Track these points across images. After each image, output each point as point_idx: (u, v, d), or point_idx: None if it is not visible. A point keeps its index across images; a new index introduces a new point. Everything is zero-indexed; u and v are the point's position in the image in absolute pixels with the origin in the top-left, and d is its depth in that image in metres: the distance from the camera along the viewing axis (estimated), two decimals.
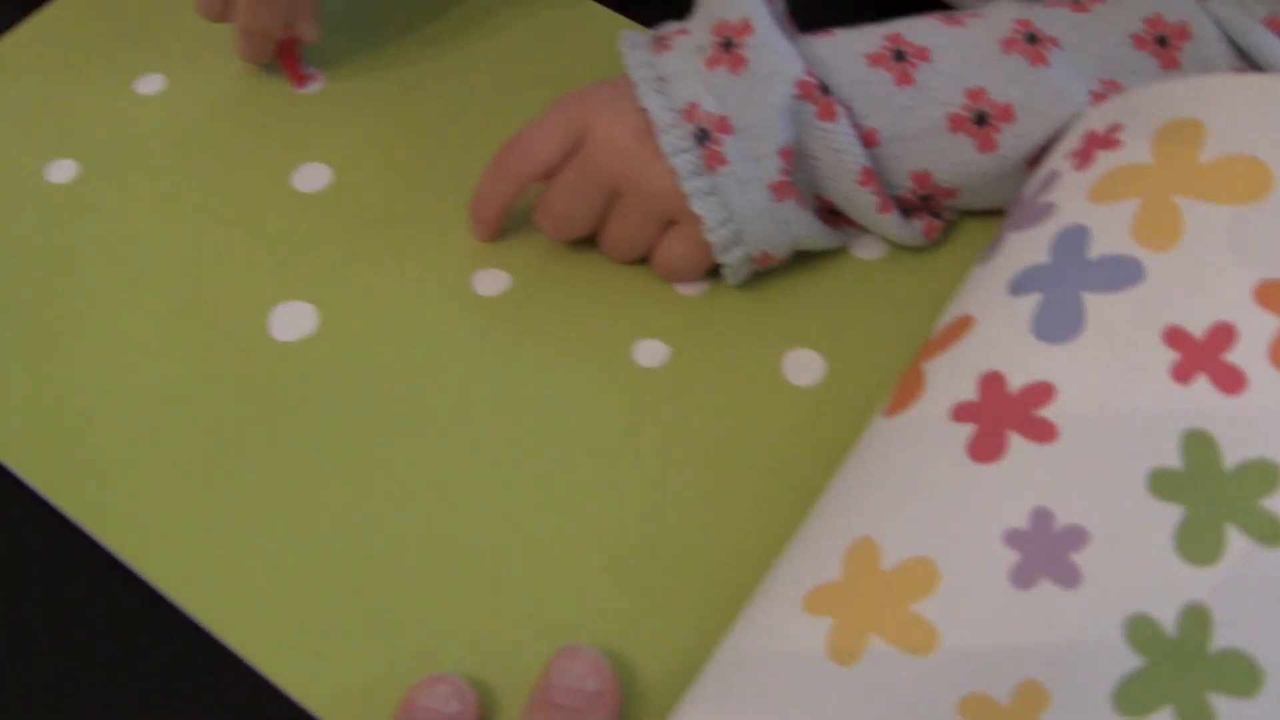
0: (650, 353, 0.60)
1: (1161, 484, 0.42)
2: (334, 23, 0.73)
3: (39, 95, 0.71)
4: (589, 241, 0.63)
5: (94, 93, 0.71)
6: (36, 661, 0.54)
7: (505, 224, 0.64)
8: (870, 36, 0.60)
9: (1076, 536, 0.42)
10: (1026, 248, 0.51)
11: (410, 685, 0.51)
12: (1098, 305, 0.47)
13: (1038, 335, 0.47)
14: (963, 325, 0.50)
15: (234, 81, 0.71)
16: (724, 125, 0.57)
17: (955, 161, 0.59)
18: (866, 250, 0.63)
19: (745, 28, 0.58)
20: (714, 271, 0.62)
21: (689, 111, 0.58)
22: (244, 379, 0.60)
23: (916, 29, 0.60)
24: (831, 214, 0.63)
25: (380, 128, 0.69)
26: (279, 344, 0.61)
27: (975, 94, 0.58)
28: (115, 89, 0.71)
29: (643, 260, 0.62)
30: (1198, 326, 0.45)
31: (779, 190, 0.58)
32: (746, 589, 0.52)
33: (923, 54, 0.59)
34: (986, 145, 0.58)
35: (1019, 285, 0.50)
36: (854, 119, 0.58)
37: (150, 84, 0.71)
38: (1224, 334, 0.45)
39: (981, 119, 0.58)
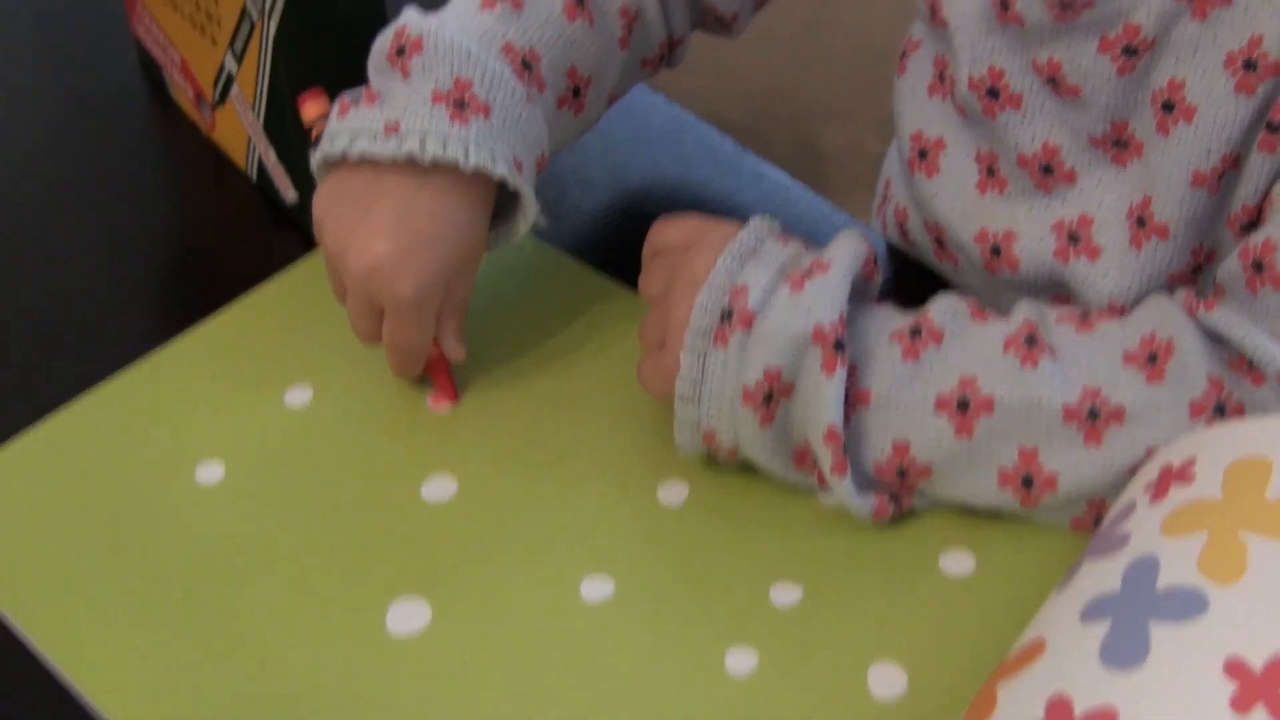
0: (740, 661, 0.65)
1: None
2: (472, 343, 0.81)
3: (195, 403, 0.80)
4: (692, 553, 0.70)
5: (245, 403, 0.80)
6: None
7: (609, 534, 0.71)
8: (906, 317, 0.70)
9: None
10: (1100, 576, 0.56)
11: None
12: (1163, 635, 0.51)
13: (1104, 662, 0.52)
14: (1035, 649, 0.55)
15: (377, 396, 0.80)
16: (747, 319, 0.67)
17: (931, 438, 0.67)
18: (956, 566, 0.69)
19: (822, 266, 0.68)
20: (807, 579, 0.68)
21: (737, 291, 0.68)
22: (360, 671, 0.66)
23: (943, 309, 0.69)
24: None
25: (506, 446, 0.76)
26: (392, 639, 0.67)
27: (967, 382, 0.67)
28: (266, 400, 0.80)
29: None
30: (1258, 659, 0.49)
31: (747, 397, 0.67)
32: None
33: (936, 337, 0.68)
34: (963, 430, 0.67)
35: (1090, 612, 0.54)
36: (855, 378, 0.68)
37: (298, 396, 0.80)
38: None
39: (964, 405, 0.66)
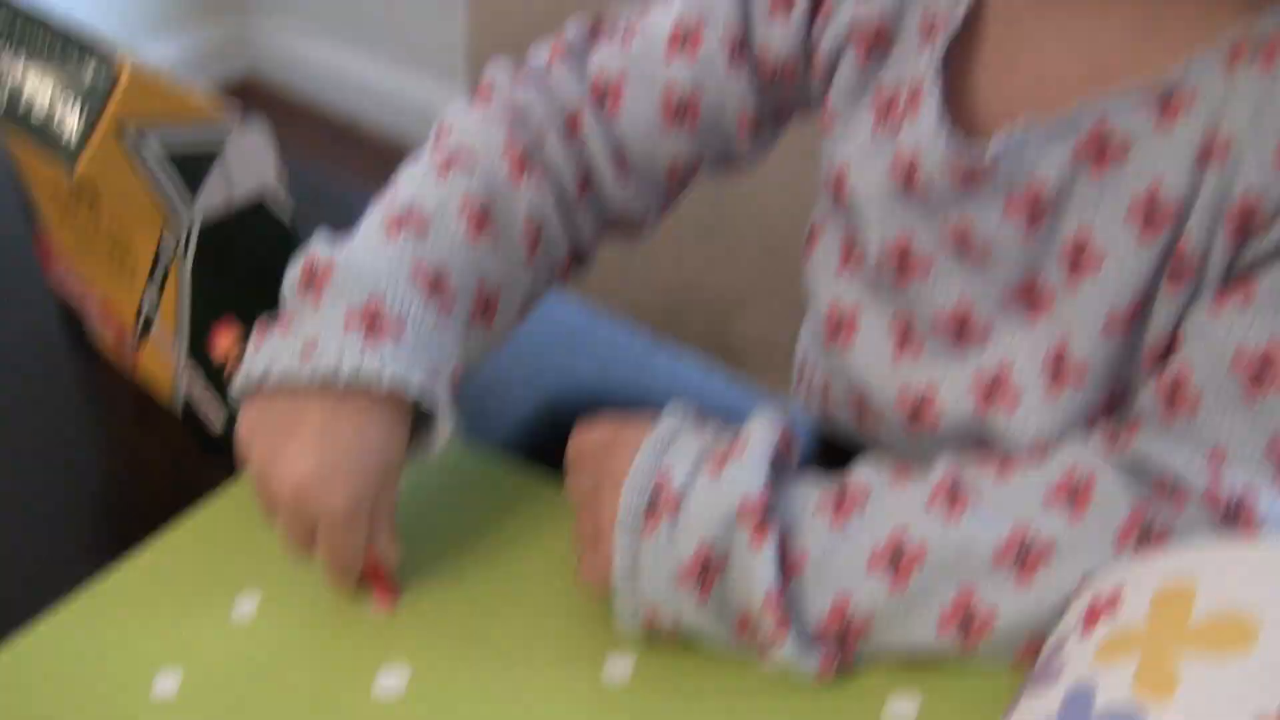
0: None
1: None
2: (410, 544, 0.82)
3: (145, 624, 0.81)
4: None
5: (194, 620, 0.81)
6: None
7: (563, 716, 0.72)
8: (831, 483, 0.73)
9: None
10: (1039, 705, 0.58)
11: None
12: None
13: None
14: None
15: (321, 603, 0.81)
16: (672, 506, 0.70)
17: (868, 595, 0.69)
18: (902, 711, 0.70)
19: (740, 445, 0.72)
20: None
21: (660, 482, 0.71)
22: None
23: (866, 471, 0.73)
24: None
25: (453, 640, 0.78)
26: None
27: (896, 538, 0.70)
28: (215, 615, 0.81)
29: None
30: None
31: (682, 579, 0.70)
32: None
33: (862, 499, 0.71)
34: (898, 584, 0.69)
35: None
36: (788, 545, 0.70)
37: (245, 608, 0.81)
38: None
39: (896, 561, 0.69)
